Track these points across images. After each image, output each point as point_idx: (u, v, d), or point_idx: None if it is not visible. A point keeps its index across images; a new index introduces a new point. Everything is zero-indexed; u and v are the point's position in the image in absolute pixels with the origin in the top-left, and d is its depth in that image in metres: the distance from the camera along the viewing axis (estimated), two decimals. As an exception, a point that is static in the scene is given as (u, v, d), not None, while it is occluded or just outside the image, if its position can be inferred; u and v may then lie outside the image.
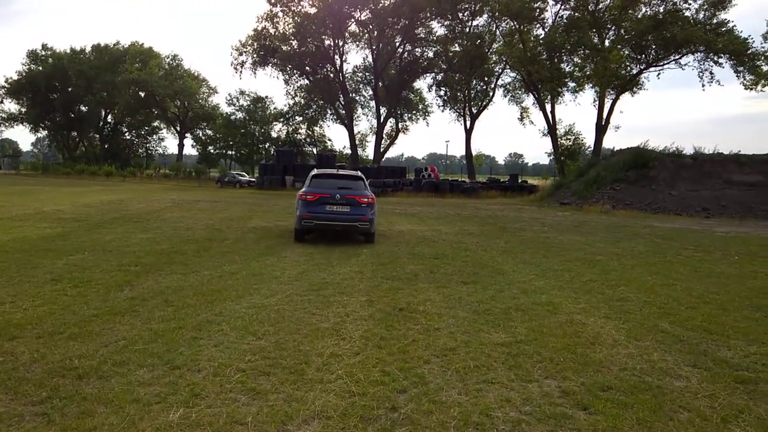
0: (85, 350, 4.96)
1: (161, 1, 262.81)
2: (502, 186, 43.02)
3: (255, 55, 55.19)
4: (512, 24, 44.56)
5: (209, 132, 74.43)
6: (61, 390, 4.09)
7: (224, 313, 6.37)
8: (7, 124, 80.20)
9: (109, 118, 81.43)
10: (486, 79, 51.44)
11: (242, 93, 67.91)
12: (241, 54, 55.44)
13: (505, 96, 52.35)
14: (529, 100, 51.96)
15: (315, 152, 63.34)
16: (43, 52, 77.27)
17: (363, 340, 5.53)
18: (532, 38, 45.42)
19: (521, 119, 52.54)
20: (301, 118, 63.86)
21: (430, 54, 54.55)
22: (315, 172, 13.95)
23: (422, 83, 69.37)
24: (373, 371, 4.70)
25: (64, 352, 4.91)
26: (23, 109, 78.26)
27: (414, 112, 59.92)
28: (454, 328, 6.06)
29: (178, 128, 75.71)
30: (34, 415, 3.71)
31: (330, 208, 12.54)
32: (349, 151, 59.91)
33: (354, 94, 59.05)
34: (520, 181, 47.19)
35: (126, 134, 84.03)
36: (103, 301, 6.76)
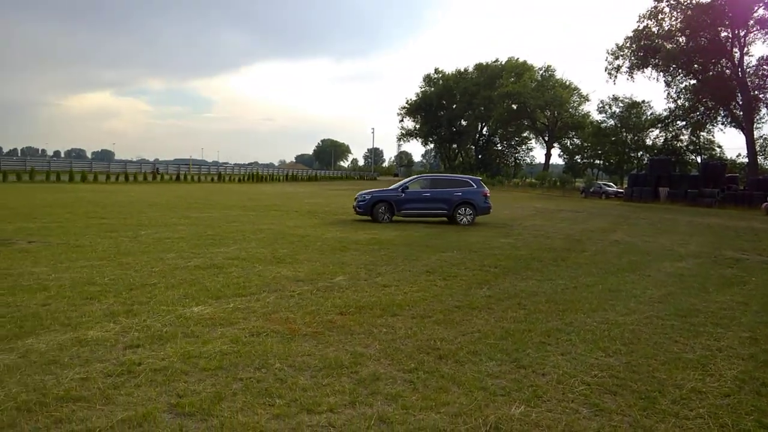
0: (446, 335, 5.62)
1: (541, 15, 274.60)
2: None
3: (633, 57, 52.15)
4: None
5: (577, 141, 74.06)
6: (425, 365, 4.74)
7: (574, 324, 6.27)
8: (405, 138, 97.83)
9: (484, 131, 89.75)
10: None
11: (615, 99, 64.98)
12: (617, 58, 53.26)
13: None
14: None
15: (699, 161, 55.87)
16: (435, 75, 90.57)
17: (737, 382, 4.65)
18: None
19: None
20: (683, 123, 57.24)
21: None
22: (430, 176, 21.43)
23: None
24: (745, 419, 3.91)
25: (430, 333, 5.66)
26: (417, 126, 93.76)
27: None
28: None
29: (546, 138, 77.80)
30: (404, 381, 4.41)
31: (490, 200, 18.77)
32: (744, 160, 50.67)
33: (757, 92, 49.30)
34: None
35: (497, 145, 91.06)
36: (464, 295, 7.52)
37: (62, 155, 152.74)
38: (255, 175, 61.46)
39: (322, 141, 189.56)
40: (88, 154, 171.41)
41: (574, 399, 4.17)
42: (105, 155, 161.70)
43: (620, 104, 64.62)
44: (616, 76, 54.29)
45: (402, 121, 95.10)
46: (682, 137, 59.38)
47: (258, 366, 4.57)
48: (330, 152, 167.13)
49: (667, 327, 6.33)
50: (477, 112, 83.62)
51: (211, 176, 58.38)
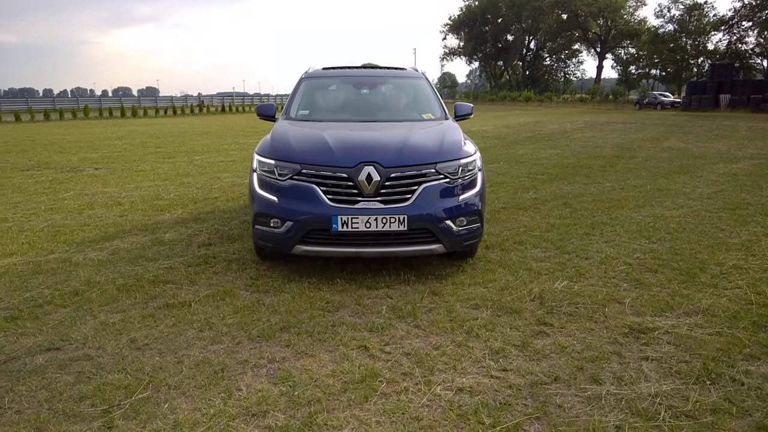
0: (492, 230, 5.90)
1: None
2: None
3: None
4: None
5: (632, 51, 69.94)
6: (477, 253, 5.07)
7: (620, 218, 6.42)
8: (448, 58, 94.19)
9: (532, 45, 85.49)
10: None
11: (675, 1, 60.33)
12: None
13: None
14: None
15: (765, 65, 52.16)
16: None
17: (780, 261, 4.78)
18: None
19: None
20: (750, 24, 52.96)
21: None
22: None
23: None
24: (785, 290, 4.09)
25: (478, 228, 5.95)
26: (461, 43, 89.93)
27: None
28: None
29: (599, 49, 73.68)
30: (452, 265, 4.76)
31: None
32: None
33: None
34: None
35: (546, 59, 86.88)
36: (510, 199, 7.72)
37: (110, 94, 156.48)
38: (298, 103, 61.57)
39: (362, 64, 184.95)
40: (134, 92, 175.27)
41: (616, 276, 4.42)
42: (150, 92, 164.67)
43: (680, 6, 60.07)
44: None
45: (445, 39, 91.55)
46: (747, 39, 55.23)
47: (319, 256, 5.00)
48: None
49: (714, 218, 6.40)
50: (525, 26, 79.49)
51: (254, 106, 58.91)
